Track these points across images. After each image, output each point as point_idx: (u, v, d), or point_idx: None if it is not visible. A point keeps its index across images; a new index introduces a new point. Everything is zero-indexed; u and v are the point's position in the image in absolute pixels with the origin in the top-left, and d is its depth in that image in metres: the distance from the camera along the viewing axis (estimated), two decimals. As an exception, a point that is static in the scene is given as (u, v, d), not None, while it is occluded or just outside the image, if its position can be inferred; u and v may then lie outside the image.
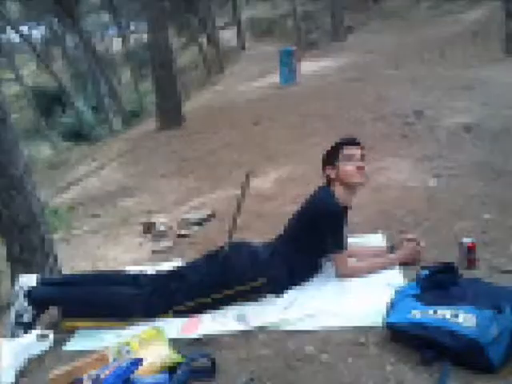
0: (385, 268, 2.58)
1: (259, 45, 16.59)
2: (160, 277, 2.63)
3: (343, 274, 2.55)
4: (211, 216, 4.31)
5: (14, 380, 2.12)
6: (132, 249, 4.06)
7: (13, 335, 2.38)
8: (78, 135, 9.46)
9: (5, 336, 2.39)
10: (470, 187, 3.69)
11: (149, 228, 4.33)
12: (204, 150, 6.94)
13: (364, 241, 2.96)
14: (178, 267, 2.74)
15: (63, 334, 2.40)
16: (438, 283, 2.04)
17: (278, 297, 2.45)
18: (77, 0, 13.40)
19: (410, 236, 2.72)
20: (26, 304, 2.43)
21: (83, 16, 13.30)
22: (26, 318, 2.41)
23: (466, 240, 2.52)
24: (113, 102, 11.84)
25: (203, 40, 16.88)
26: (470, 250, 2.49)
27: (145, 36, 10.11)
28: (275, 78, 10.86)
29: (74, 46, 12.68)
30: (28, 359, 2.24)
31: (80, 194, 6.55)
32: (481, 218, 3.08)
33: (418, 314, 1.90)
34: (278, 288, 2.50)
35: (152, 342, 2.09)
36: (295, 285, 2.54)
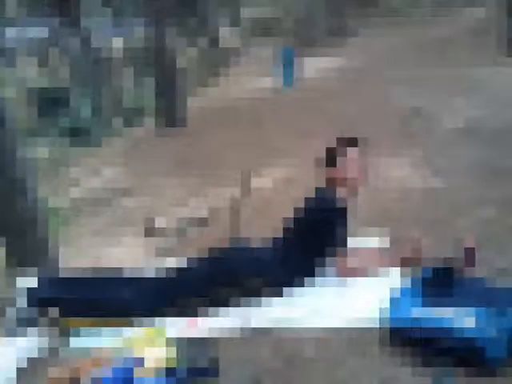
0: (385, 268, 2.57)
1: (259, 45, 16.57)
2: (160, 276, 2.63)
3: (343, 274, 2.55)
4: (211, 216, 4.31)
5: (13, 380, 2.12)
6: (132, 248, 4.06)
7: (12, 335, 2.37)
8: (77, 135, 9.44)
9: (4, 336, 2.39)
10: (469, 186, 3.69)
11: (149, 228, 4.33)
12: (204, 149, 6.93)
13: (364, 241, 2.95)
14: (177, 267, 2.73)
15: (63, 334, 2.40)
16: (438, 283, 2.04)
17: (278, 297, 2.45)
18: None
19: (410, 235, 2.72)
20: (25, 304, 2.42)
21: (83, 15, 13.29)
22: (26, 317, 2.41)
23: (466, 239, 2.51)
24: (113, 101, 11.81)
25: (203, 40, 16.86)
26: (470, 249, 2.48)
27: (145, 36, 10.09)
28: (275, 78, 10.85)
29: (74, 46, 12.67)
30: (28, 359, 2.24)
31: (80, 193, 6.54)
32: (480, 217, 3.09)
33: (418, 313, 1.90)
34: (278, 288, 2.49)
35: (152, 341, 2.09)
36: (295, 285, 2.54)
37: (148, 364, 1.94)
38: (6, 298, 2.99)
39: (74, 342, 2.34)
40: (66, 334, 2.40)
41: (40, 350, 2.29)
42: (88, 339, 2.34)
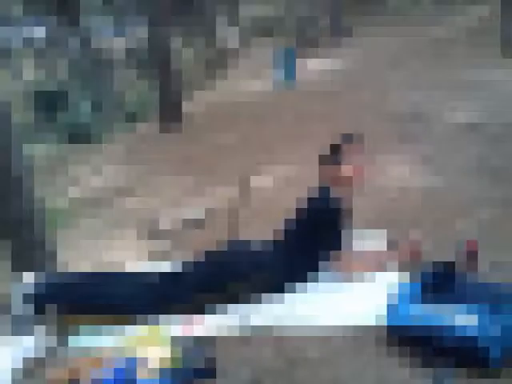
0: (384, 268, 2.57)
1: (259, 44, 16.57)
2: (160, 276, 2.63)
3: (343, 274, 2.55)
4: (211, 216, 4.31)
5: (13, 380, 2.12)
6: (132, 248, 4.06)
7: (12, 335, 2.37)
8: (77, 135, 9.43)
9: (4, 336, 2.39)
10: (469, 187, 3.69)
11: (149, 228, 4.33)
12: (204, 149, 6.93)
13: (363, 240, 2.95)
14: (177, 267, 2.73)
15: (63, 334, 2.40)
16: (438, 283, 2.04)
17: (278, 298, 2.45)
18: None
19: (409, 235, 2.72)
20: (25, 304, 2.42)
21: (82, 14, 13.29)
22: (25, 317, 2.41)
23: (467, 240, 2.50)
24: (113, 101, 11.79)
25: (203, 40, 16.83)
26: (471, 249, 2.47)
27: (145, 35, 10.09)
28: (275, 78, 10.85)
29: (73, 45, 12.68)
30: (27, 359, 2.24)
31: (80, 193, 6.53)
32: (481, 218, 3.09)
33: (418, 313, 1.90)
34: (278, 288, 2.49)
35: (152, 341, 2.09)
36: (294, 286, 2.54)
37: (147, 364, 1.94)
38: (5, 298, 2.99)
39: (74, 342, 2.34)
40: (64, 334, 2.40)
41: (40, 350, 2.29)
42: (88, 339, 2.34)
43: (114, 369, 1.89)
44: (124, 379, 1.85)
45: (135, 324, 2.36)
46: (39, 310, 2.46)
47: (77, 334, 2.39)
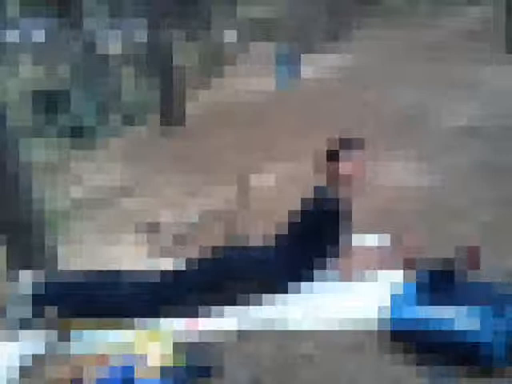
0: (384, 268, 2.56)
1: (259, 45, 16.58)
2: (159, 277, 2.62)
3: (342, 274, 2.54)
4: (210, 216, 4.31)
5: (8, 380, 2.11)
6: (131, 249, 4.06)
7: (12, 335, 2.37)
8: (77, 135, 9.43)
9: (3, 336, 2.38)
10: (469, 187, 3.69)
11: (148, 228, 4.33)
12: (204, 149, 6.92)
13: (362, 241, 2.94)
14: (177, 267, 2.73)
15: (63, 334, 2.39)
16: (438, 283, 2.03)
17: (278, 297, 2.45)
18: None
19: (405, 240, 2.70)
20: (25, 304, 2.42)
21: (84, 14, 13.29)
22: (25, 317, 2.40)
23: (468, 246, 2.48)
24: (113, 101, 11.77)
25: (203, 41, 16.82)
26: (471, 250, 2.46)
27: (145, 35, 10.09)
28: (275, 79, 10.87)
29: (75, 45, 12.67)
30: (27, 359, 2.23)
31: (80, 194, 6.52)
32: (481, 219, 3.08)
33: (418, 314, 1.90)
34: (278, 288, 2.49)
35: (152, 341, 2.09)
36: (295, 286, 2.53)
37: (147, 364, 1.94)
38: (5, 298, 2.99)
39: (74, 342, 2.33)
40: (65, 334, 2.39)
41: (39, 350, 2.28)
42: (88, 339, 2.33)
43: (114, 369, 1.89)
44: (124, 380, 1.85)
45: (135, 324, 2.35)
46: (38, 310, 2.45)
47: (76, 334, 2.38)
